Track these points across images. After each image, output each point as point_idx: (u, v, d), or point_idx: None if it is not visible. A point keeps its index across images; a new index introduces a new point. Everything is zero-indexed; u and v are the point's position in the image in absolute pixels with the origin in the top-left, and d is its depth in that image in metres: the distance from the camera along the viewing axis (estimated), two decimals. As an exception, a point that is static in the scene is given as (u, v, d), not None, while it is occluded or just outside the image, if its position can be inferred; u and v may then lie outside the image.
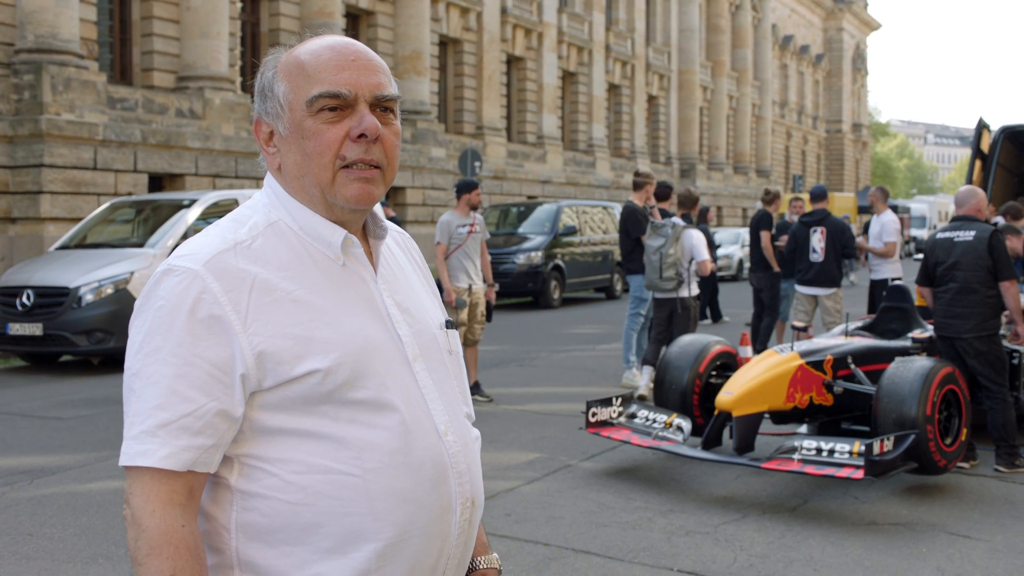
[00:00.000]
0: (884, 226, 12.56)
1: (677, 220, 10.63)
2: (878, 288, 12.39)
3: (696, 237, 10.60)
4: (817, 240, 11.77)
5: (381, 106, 1.74)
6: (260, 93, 1.78)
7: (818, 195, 12.37)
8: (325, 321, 1.67)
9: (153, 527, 1.57)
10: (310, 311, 1.66)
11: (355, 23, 31.65)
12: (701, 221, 20.00)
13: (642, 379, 10.59)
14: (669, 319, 10.61)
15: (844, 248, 11.83)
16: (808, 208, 12.44)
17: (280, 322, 1.64)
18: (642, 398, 9.83)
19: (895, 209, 13.59)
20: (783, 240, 13.19)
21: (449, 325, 1.92)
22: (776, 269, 13.28)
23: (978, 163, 12.29)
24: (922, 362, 7.10)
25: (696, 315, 10.84)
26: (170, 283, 1.63)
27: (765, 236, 13.18)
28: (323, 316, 1.67)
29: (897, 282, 10.39)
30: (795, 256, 12.09)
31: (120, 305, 12.12)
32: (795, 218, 13.67)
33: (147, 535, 1.57)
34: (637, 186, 11.48)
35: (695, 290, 10.79)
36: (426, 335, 1.82)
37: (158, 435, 1.58)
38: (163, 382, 1.59)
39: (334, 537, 1.64)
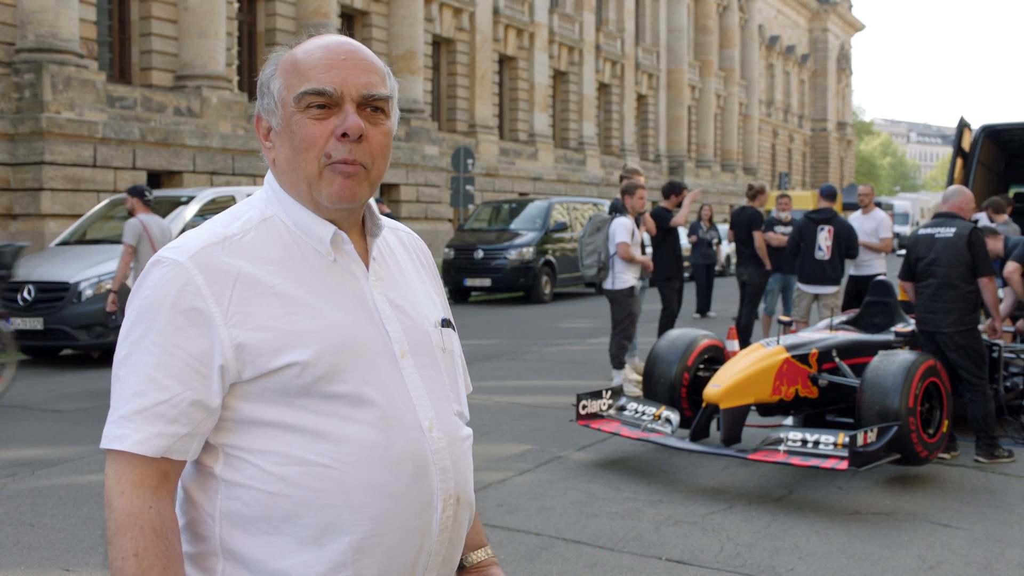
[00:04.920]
0: (881, 222, 12.63)
1: (615, 215, 10.75)
2: (864, 284, 12.48)
3: (615, 224, 10.64)
4: (824, 238, 11.76)
5: (371, 105, 1.74)
6: (259, 89, 1.79)
7: (828, 194, 12.32)
8: (307, 315, 1.67)
9: (120, 508, 1.60)
10: (292, 304, 1.67)
11: (350, 23, 31.68)
12: (698, 220, 20.12)
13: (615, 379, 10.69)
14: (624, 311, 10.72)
15: (849, 249, 11.93)
16: (816, 205, 12.41)
17: (261, 315, 1.65)
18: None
19: (879, 206, 13.63)
20: (769, 236, 13.26)
21: (445, 324, 1.92)
22: (768, 267, 13.31)
23: (959, 161, 12.37)
24: (904, 356, 7.16)
25: (634, 311, 10.81)
26: (157, 274, 1.66)
27: (759, 236, 13.16)
28: (306, 310, 1.68)
29: (880, 278, 10.49)
30: (798, 252, 12.06)
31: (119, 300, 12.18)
32: (782, 215, 13.73)
33: (115, 515, 1.60)
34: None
35: (627, 282, 10.69)
36: (418, 332, 1.81)
37: (133, 420, 1.60)
38: (143, 370, 1.62)
39: (311, 528, 1.65)
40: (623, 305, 10.74)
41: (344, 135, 1.70)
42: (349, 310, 1.73)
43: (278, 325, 1.65)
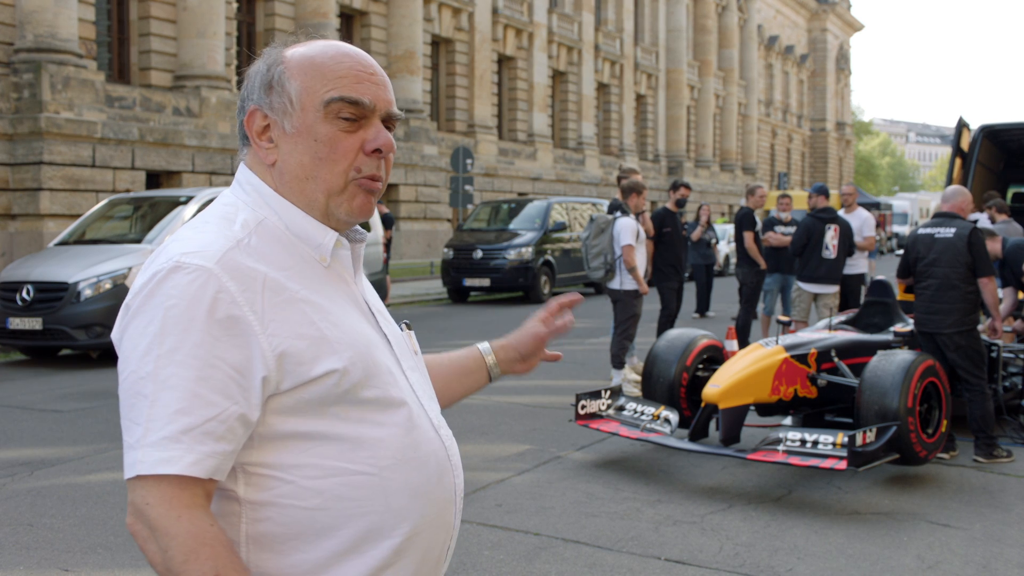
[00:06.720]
0: (865, 221, 12.73)
1: (616, 215, 10.74)
2: (853, 282, 12.52)
3: (619, 225, 10.61)
4: (831, 237, 11.75)
5: (388, 123, 1.74)
6: (264, 86, 1.70)
7: (827, 192, 12.28)
8: (331, 321, 1.62)
9: (183, 532, 1.48)
10: (317, 311, 1.61)
11: (349, 23, 31.74)
12: (695, 221, 20.11)
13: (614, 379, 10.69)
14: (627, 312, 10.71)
15: (850, 247, 11.93)
16: (809, 205, 12.41)
17: (294, 322, 1.58)
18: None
19: (878, 206, 13.72)
20: (769, 236, 13.26)
21: (408, 326, 1.93)
22: (763, 266, 13.31)
23: (958, 161, 12.37)
24: (903, 355, 7.14)
25: (637, 311, 10.80)
26: (182, 281, 1.53)
27: (748, 236, 13.19)
28: (329, 316, 1.62)
29: (878, 277, 10.50)
30: (802, 252, 11.96)
31: (118, 300, 12.06)
32: (782, 215, 13.73)
33: (178, 541, 1.48)
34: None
35: (631, 284, 10.70)
36: (398, 335, 1.82)
37: (182, 441, 1.48)
38: (183, 385, 1.49)
39: (350, 538, 1.61)
40: (628, 305, 10.73)
41: (377, 151, 1.70)
42: (357, 315, 1.72)
43: (310, 332, 1.59)
